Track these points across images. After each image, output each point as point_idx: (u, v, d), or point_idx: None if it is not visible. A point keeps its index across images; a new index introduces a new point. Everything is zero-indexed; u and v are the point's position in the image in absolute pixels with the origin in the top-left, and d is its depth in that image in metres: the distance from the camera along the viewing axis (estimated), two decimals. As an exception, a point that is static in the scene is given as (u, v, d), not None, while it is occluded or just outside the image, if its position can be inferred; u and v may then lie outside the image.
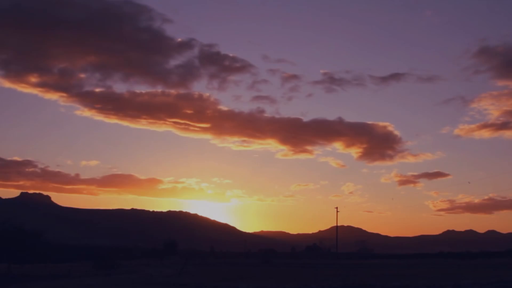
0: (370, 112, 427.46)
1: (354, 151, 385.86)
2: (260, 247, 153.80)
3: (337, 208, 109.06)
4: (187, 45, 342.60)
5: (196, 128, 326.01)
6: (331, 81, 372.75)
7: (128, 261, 72.96)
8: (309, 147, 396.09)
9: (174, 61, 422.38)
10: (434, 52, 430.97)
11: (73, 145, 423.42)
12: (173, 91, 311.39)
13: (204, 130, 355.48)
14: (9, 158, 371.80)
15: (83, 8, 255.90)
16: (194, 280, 33.77)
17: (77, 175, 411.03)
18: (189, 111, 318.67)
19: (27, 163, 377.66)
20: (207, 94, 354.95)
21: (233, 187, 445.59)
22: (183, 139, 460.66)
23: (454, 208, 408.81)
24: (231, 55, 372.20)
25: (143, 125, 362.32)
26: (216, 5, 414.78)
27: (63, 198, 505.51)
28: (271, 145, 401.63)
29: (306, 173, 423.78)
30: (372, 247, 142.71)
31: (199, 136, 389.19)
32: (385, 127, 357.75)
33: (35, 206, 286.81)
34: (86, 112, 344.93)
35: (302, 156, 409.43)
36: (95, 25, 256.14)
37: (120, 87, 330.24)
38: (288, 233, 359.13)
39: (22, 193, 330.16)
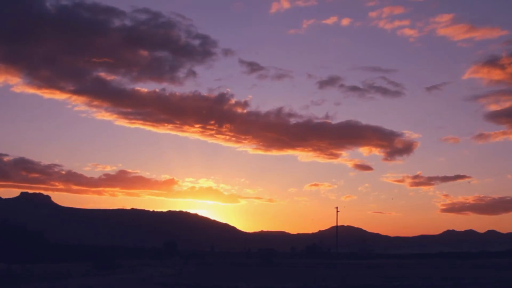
0: (401, 120, 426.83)
1: (377, 155, 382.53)
2: (260, 247, 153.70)
3: (337, 208, 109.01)
4: (225, 53, 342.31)
5: (225, 134, 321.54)
6: (369, 88, 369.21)
7: (128, 261, 72.73)
8: (335, 151, 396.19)
9: (211, 70, 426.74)
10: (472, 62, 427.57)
11: (97, 149, 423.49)
12: (203, 97, 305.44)
13: (230, 135, 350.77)
14: (36, 160, 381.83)
15: (128, 18, 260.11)
16: (194, 280, 33.79)
17: (100, 177, 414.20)
18: (217, 117, 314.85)
19: (53, 166, 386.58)
20: (239, 99, 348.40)
21: (248, 189, 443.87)
22: (207, 144, 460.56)
23: (462, 209, 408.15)
24: (267, 63, 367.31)
25: (168, 129, 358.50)
26: (255, 15, 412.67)
27: (64, 198, 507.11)
28: (298, 149, 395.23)
29: (324, 175, 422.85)
30: (372, 247, 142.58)
31: (224, 141, 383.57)
32: (411, 134, 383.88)
33: (35, 206, 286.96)
34: (109, 117, 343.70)
35: (324, 159, 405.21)
36: (134, 34, 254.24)
37: (149, 92, 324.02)
38: (288, 233, 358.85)
39: (22, 193, 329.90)
